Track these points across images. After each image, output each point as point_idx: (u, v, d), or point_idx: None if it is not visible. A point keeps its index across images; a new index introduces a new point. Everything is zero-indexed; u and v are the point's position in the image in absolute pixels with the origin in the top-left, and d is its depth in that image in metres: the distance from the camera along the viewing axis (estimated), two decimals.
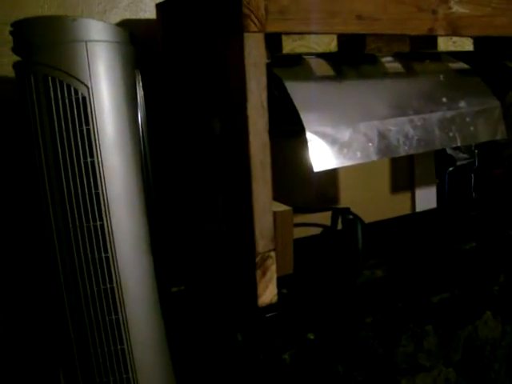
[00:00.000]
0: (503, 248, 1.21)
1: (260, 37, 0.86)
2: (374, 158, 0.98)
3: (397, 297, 1.04)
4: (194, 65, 1.04)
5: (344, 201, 1.26)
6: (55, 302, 0.87)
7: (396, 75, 1.10)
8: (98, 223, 0.84)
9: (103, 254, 0.84)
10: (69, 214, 0.83)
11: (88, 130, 0.83)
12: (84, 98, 0.82)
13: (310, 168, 0.90)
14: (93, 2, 1.15)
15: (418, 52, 1.09)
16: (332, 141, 0.93)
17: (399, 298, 1.04)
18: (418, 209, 1.38)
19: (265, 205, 0.89)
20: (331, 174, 1.23)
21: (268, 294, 0.92)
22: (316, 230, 1.22)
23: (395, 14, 1.00)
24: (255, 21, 0.85)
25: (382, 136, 0.99)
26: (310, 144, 0.90)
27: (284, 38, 0.91)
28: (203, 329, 1.08)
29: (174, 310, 1.04)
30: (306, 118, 0.91)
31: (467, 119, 1.10)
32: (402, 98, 1.05)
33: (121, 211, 0.85)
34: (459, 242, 1.23)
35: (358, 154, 0.95)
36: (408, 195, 1.38)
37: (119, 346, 0.86)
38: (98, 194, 0.83)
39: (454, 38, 1.10)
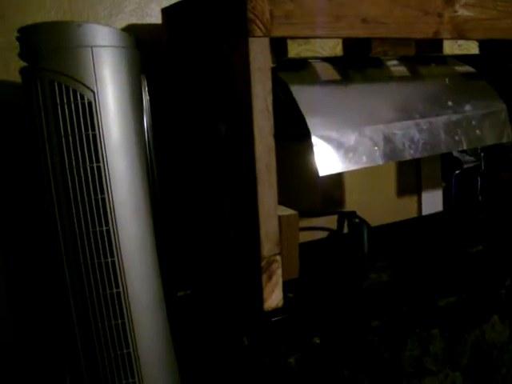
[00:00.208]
0: (510, 251, 1.20)
1: (265, 41, 0.86)
2: (380, 162, 0.97)
3: (403, 300, 1.04)
4: (200, 69, 1.04)
5: (350, 204, 1.26)
6: (62, 306, 0.87)
7: (401, 79, 1.09)
8: (104, 228, 0.84)
9: (109, 259, 0.84)
10: (75, 219, 0.83)
11: (94, 135, 0.83)
12: (90, 103, 0.83)
13: (316, 172, 0.90)
14: (99, 7, 1.16)
15: (423, 55, 1.09)
16: (338, 145, 0.93)
17: (405, 302, 1.04)
18: (425, 212, 1.38)
19: (270, 209, 0.89)
20: (337, 178, 1.23)
21: (274, 298, 0.92)
22: (322, 234, 1.22)
23: (401, 17, 1.00)
24: (260, 25, 0.85)
25: (388, 140, 0.99)
26: (315, 148, 0.90)
27: (289, 42, 0.91)
28: (209, 333, 1.08)
29: (180, 314, 1.04)
30: (312, 122, 0.91)
31: (473, 122, 1.10)
32: (407, 101, 1.05)
33: (127, 216, 0.86)
34: (466, 245, 1.23)
35: (364, 158, 0.95)
36: (414, 198, 1.37)
37: (125, 351, 0.86)
38: (103, 199, 0.84)
39: (460, 42, 1.10)
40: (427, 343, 1.05)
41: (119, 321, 0.86)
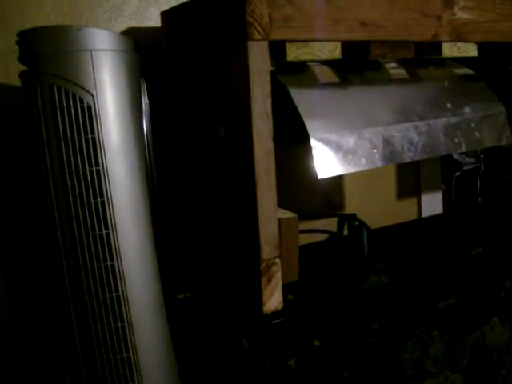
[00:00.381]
0: (510, 253, 1.20)
1: (264, 45, 0.86)
2: (379, 164, 0.98)
3: (403, 303, 1.04)
4: (199, 72, 1.04)
5: (350, 207, 1.26)
6: (61, 310, 0.87)
7: (400, 81, 1.10)
8: (104, 231, 0.84)
9: (109, 262, 0.84)
10: (74, 223, 0.83)
11: (93, 139, 0.83)
12: (89, 107, 0.83)
13: (315, 175, 0.90)
14: (98, 10, 1.16)
15: (422, 58, 1.09)
16: (336, 147, 0.93)
17: (405, 304, 1.04)
18: (424, 214, 1.38)
19: (269, 211, 0.90)
20: (337, 181, 1.23)
21: (273, 300, 0.92)
22: (322, 236, 1.22)
23: (400, 20, 1.00)
24: (259, 29, 0.85)
25: (387, 142, 0.99)
26: (314, 151, 0.90)
27: (288, 45, 0.91)
28: (209, 336, 1.08)
29: (180, 317, 1.04)
30: (311, 125, 0.92)
31: (472, 125, 1.10)
32: (406, 103, 1.05)
33: (126, 219, 0.86)
34: (466, 247, 1.23)
35: (363, 160, 0.95)
36: (414, 201, 1.37)
37: (125, 354, 0.86)
38: (103, 203, 0.84)
39: (459, 44, 1.10)
40: (427, 345, 1.06)
41: (119, 324, 0.86)
